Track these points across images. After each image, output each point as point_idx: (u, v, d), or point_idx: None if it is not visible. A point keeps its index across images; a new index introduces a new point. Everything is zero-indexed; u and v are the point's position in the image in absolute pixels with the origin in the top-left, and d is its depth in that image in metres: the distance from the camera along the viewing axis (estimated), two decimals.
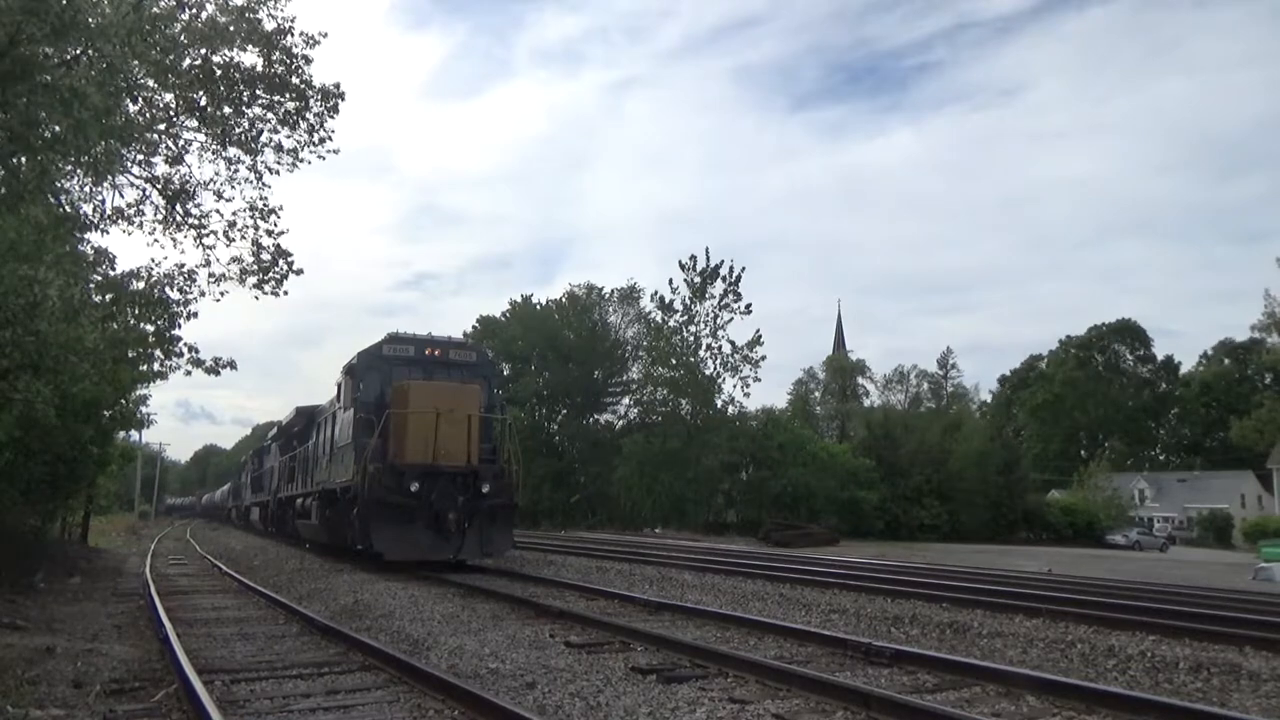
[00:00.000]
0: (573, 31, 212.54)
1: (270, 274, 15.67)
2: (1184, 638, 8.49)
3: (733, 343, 52.62)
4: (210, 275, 15.07)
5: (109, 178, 12.59)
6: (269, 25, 14.54)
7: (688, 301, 53.09)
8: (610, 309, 61.88)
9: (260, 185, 15.59)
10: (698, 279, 52.59)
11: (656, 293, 56.85)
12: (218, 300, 15.19)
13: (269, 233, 15.65)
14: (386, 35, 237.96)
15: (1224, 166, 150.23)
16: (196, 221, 15.40)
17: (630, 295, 60.96)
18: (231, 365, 14.89)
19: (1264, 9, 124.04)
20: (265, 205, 15.67)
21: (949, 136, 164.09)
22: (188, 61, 13.95)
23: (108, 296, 12.99)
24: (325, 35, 14.95)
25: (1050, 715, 5.79)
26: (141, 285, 13.51)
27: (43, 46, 7.87)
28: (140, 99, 13.37)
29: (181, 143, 15.27)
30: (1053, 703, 6.00)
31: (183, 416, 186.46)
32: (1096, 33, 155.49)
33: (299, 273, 15.87)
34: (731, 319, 52.56)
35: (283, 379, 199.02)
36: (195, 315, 14.17)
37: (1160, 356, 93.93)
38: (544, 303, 62.62)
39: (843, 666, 7.32)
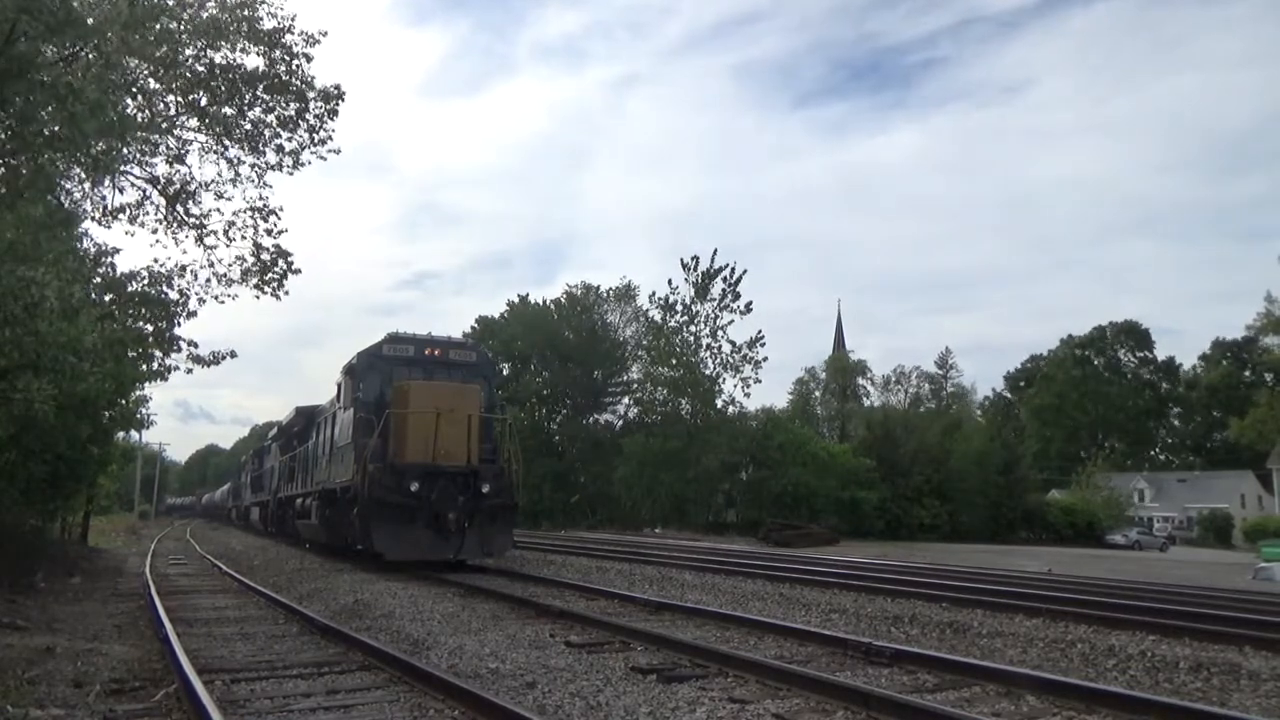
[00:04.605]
0: (574, 28, 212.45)
1: (270, 274, 15.70)
2: (1184, 637, 8.48)
3: (733, 343, 52.72)
4: (211, 276, 15.14)
5: (109, 176, 12.58)
6: (269, 24, 14.57)
7: (688, 301, 53.17)
8: (609, 309, 61.91)
9: (261, 184, 15.65)
10: (700, 279, 52.63)
11: (655, 293, 56.89)
12: (221, 304, 15.28)
13: (269, 232, 15.70)
14: (387, 31, 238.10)
15: (1226, 165, 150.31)
16: (197, 221, 15.43)
17: (627, 294, 61.03)
18: (231, 355, 14.96)
19: (1266, 5, 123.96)
20: (265, 206, 15.73)
21: (951, 134, 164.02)
22: (189, 53, 13.94)
23: (108, 297, 13.00)
24: (325, 34, 14.99)
25: (1050, 715, 5.78)
26: (142, 285, 13.53)
27: (39, 44, 7.85)
28: (140, 97, 13.37)
29: (182, 143, 15.31)
30: (1053, 702, 5.99)
31: (182, 416, 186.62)
32: (1101, 30, 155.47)
33: (298, 272, 15.92)
34: (733, 320, 52.70)
35: (283, 379, 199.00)
36: (194, 314, 14.22)
37: (1161, 357, 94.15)
38: (543, 302, 62.72)
39: (843, 666, 7.32)
